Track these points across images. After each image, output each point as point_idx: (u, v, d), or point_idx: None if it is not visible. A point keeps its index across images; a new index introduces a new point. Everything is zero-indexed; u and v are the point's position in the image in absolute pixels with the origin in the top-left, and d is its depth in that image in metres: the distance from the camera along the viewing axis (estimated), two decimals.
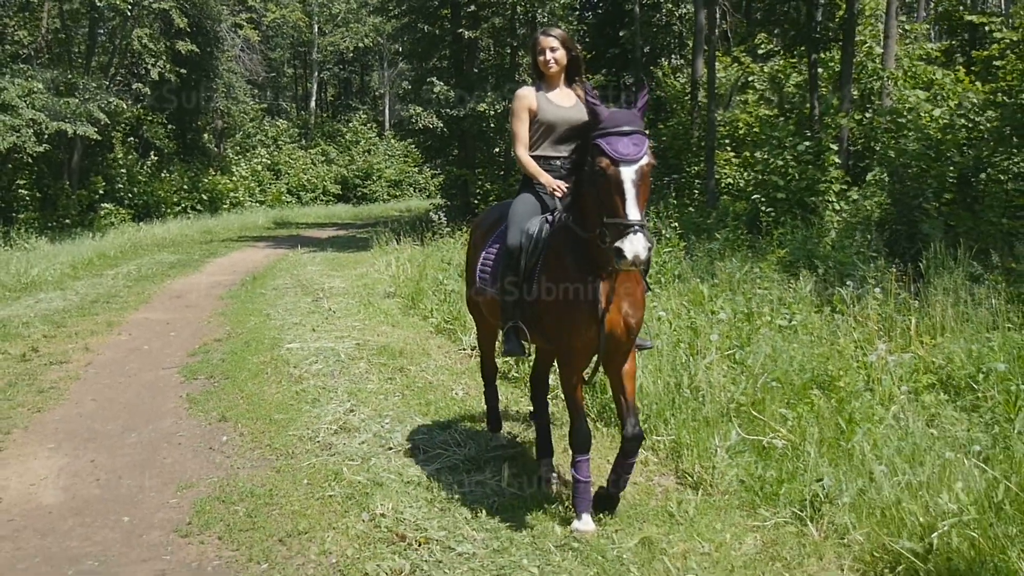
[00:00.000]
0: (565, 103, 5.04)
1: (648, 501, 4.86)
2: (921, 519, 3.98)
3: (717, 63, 21.65)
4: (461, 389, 7.31)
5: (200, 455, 5.88)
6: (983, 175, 10.54)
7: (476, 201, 21.22)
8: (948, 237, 9.05)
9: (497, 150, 22.97)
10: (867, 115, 14.40)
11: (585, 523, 4.43)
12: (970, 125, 11.60)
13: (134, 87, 28.15)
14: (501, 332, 5.00)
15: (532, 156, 5.03)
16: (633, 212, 3.93)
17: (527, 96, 5.02)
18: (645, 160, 4.04)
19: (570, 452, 4.59)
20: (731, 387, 5.94)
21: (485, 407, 6.02)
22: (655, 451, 5.54)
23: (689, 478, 5.08)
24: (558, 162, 4.97)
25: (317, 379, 7.66)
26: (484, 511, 4.65)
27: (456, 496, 4.88)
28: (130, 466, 5.70)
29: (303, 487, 5.12)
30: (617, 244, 3.88)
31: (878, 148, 13.14)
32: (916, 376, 6.14)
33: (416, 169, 40.80)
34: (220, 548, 4.37)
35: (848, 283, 8.05)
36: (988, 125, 11.28)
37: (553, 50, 5.00)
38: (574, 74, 5.13)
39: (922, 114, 12.67)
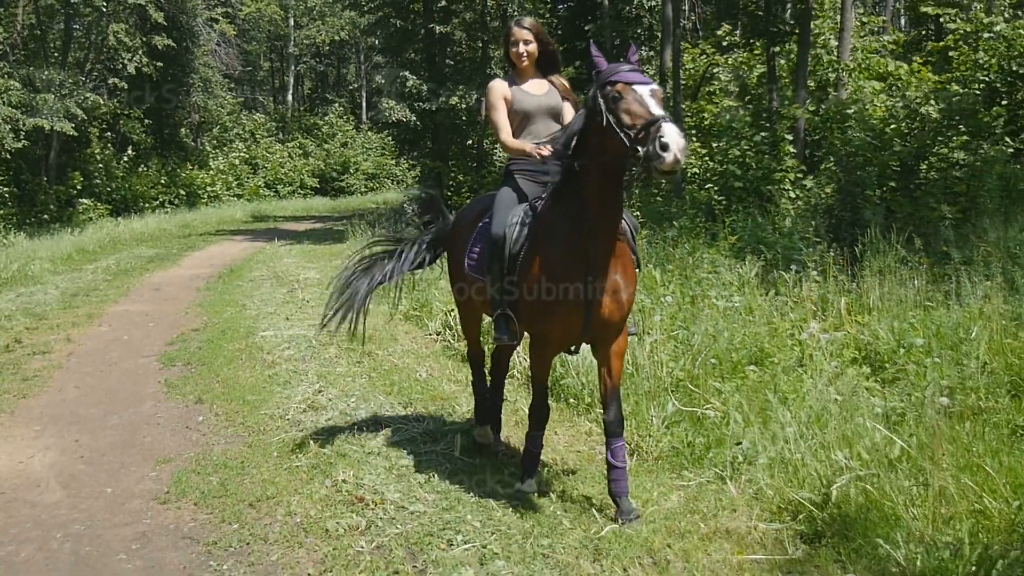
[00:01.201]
0: (538, 91, 5.09)
1: (589, 467, 5.32)
2: (821, 474, 4.45)
3: (686, 55, 22.13)
4: (425, 371, 7.76)
5: (178, 434, 6.29)
6: (924, 164, 11.05)
7: (449, 193, 21.62)
8: (889, 223, 9.55)
9: (470, 142, 23.38)
10: (822, 106, 14.90)
11: (528, 485, 4.78)
12: (912, 116, 12.10)
13: (110, 82, 28.34)
14: (492, 320, 5.04)
15: None
16: (657, 109, 3.97)
17: (500, 86, 5.08)
18: (656, 86, 4.12)
19: (531, 425, 4.86)
20: (671, 364, 6.41)
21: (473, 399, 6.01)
22: (598, 423, 6.00)
23: (628, 445, 5.53)
24: None
25: (289, 363, 8.08)
26: (436, 476, 5.11)
27: (412, 464, 5.34)
28: (112, 445, 6.10)
29: (272, 459, 5.56)
30: (658, 137, 3.79)
31: (821, 138, 13.65)
32: (844, 352, 6.63)
33: (393, 162, 41.11)
34: (195, 512, 4.80)
35: (792, 267, 8.52)
36: (931, 115, 11.79)
37: (527, 43, 5.05)
38: (549, 68, 5.17)
39: (868, 106, 13.16)
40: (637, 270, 4.80)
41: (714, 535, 4.21)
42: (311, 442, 5.79)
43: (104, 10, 25.20)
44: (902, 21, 33.18)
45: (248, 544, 4.35)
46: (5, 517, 4.85)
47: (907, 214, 9.95)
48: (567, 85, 5.24)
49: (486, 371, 5.90)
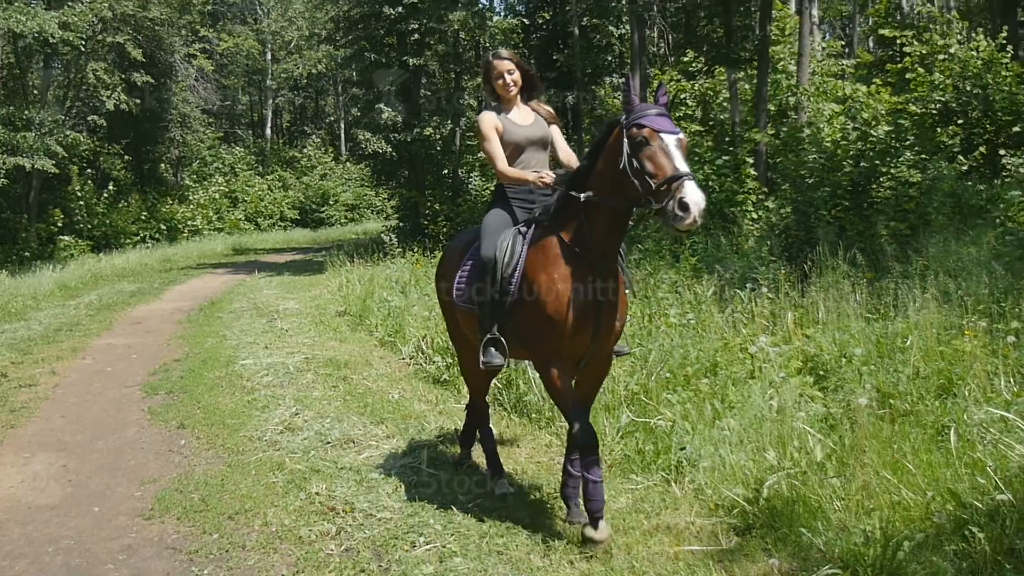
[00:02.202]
0: (525, 122, 5.15)
1: (547, 476, 5.69)
2: (754, 474, 4.85)
3: (655, 80, 22.67)
4: (397, 392, 8.12)
5: (161, 457, 6.62)
6: (874, 183, 11.55)
7: (426, 222, 22.03)
8: (840, 240, 10.00)
9: (445, 172, 23.82)
10: (782, 130, 15.41)
11: (601, 531, 4.45)
12: (863, 138, 12.60)
13: (90, 119, 28.68)
14: (480, 344, 4.88)
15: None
16: (682, 164, 4.00)
17: (491, 118, 5.11)
18: (683, 136, 4.17)
19: (577, 454, 4.71)
20: (628, 379, 6.80)
21: (484, 452, 5.73)
22: (558, 436, 6.37)
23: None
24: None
25: (267, 389, 8.42)
26: (403, 487, 5.48)
27: (381, 477, 5.70)
28: (98, 469, 6.42)
29: (250, 476, 5.91)
30: (679, 196, 3.86)
31: (780, 161, 14.17)
32: (791, 363, 7.03)
33: (373, 192, 41.52)
34: (178, 526, 5.14)
35: (747, 285, 8.95)
36: (879, 136, 12.30)
37: (510, 72, 5.11)
38: (533, 92, 5.25)
39: (827, 127, 13.67)
40: (628, 293, 4.91)
41: (655, 530, 4.61)
42: (287, 460, 6.15)
43: (83, 49, 25.53)
44: (870, 43, 33.88)
45: (227, 552, 4.70)
46: None
47: (857, 232, 10.42)
48: (551, 111, 5.31)
49: (490, 424, 5.83)
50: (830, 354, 7.00)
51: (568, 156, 5.25)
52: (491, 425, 5.84)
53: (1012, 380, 5.97)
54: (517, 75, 5.14)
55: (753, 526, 4.53)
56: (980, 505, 4.30)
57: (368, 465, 5.97)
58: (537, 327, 4.57)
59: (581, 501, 4.72)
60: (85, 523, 5.31)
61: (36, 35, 22.20)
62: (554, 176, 4.87)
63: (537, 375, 6.56)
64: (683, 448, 5.43)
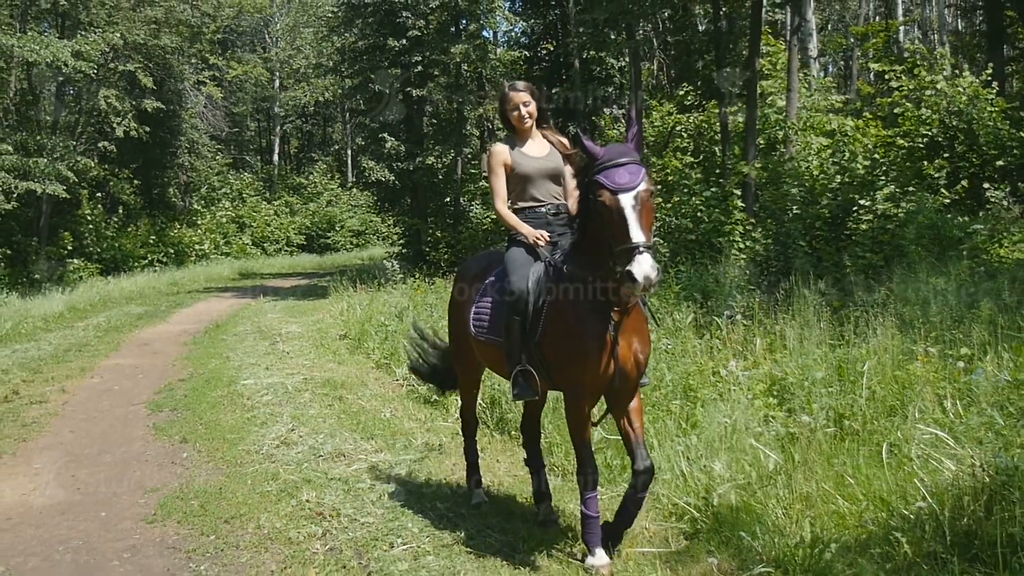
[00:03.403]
0: (539, 153, 5.20)
1: (523, 487, 6.12)
2: (705, 484, 5.29)
3: (655, 112, 23.23)
4: (389, 411, 8.57)
5: (164, 468, 7.08)
6: (850, 217, 12.04)
7: (427, 249, 22.54)
8: (817, 271, 10.47)
9: (447, 200, 24.36)
10: (769, 164, 15.90)
11: (599, 557, 4.65)
12: (842, 172, 13.09)
13: (100, 145, 29.26)
14: (510, 378, 4.98)
15: (515, 209, 5.19)
16: (637, 235, 4.10)
17: (501, 152, 5.18)
18: (643, 186, 4.21)
19: (578, 489, 4.90)
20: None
21: (465, 463, 6.05)
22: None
23: (556, 468, 6.38)
24: (543, 209, 5.17)
25: (266, 407, 8.89)
26: (387, 495, 5.94)
27: (367, 486, 6.16)
28: (105, 478, 6.87)
29: (247, 486, 6.36)
30: (627, 268, 4.03)
31: (762, 194, 14.68)
32: (758, 385, 7.47)
33: (379, 219, 42.08)
34: (178, 528, 5.60)
35: (725, 313, 9.40)
36: (857, 170, 12.80)
37: (526, 104, 5.16)
38: (541, 121, 5.28)
39: (815, 161, 14.18)
40: (651, 324, 5.02)
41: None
42: (281, 471, 6.61)
43: (95, 76, 26.09)
44: (871, 75, 34.45)
45: (222, 551, 5.16)
46: (12, 538, 5.63)
47: (833, 263, 10.88)
48: (566, 143, 5.34)
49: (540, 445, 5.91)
50: (794, 377, 7.44)
51: (574, 200, 5.15)
52: (475, 438, 6.18)
53: (959, 402, 6.40)
54: (533, 106, 5.20)
55: (701, 531, 4.98)
56: (907, 513, 4.74)
57: (356, 476, 6.42)
58: (565, 359, 4.66)
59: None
60: (92, 526, 5.76)
61: (49, 63, 22.75)
62: (547, 240, 4.98)
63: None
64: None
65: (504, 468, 6.63)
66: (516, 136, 5.28)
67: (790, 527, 4.79)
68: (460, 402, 6.24)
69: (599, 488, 4.95)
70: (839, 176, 13.28)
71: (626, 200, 4.18)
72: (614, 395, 4.74)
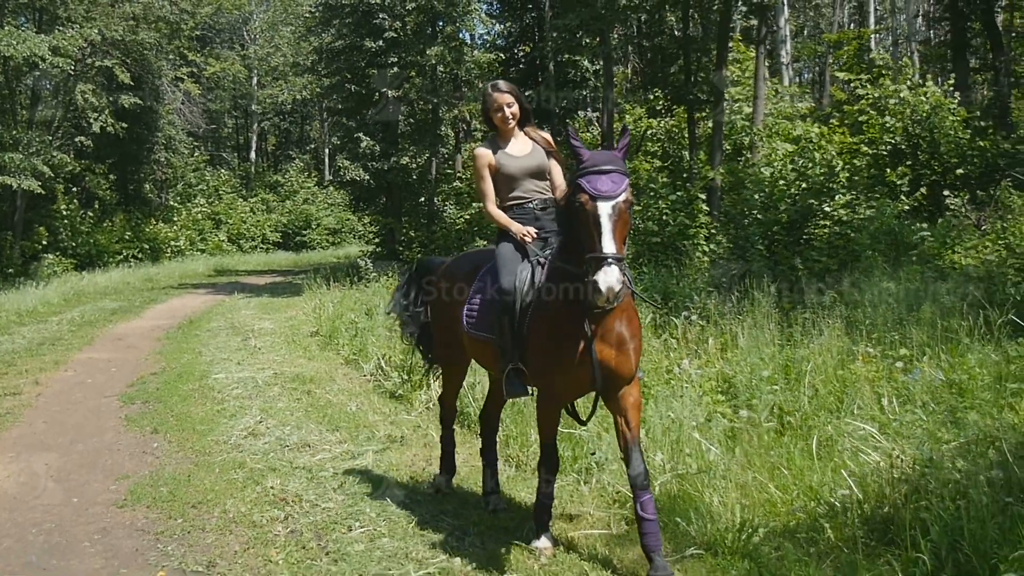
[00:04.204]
0: (522, 152, 5.26)
1: (476, 476, 6.41)
2: (650, 473, 5.59)
3: (628, 116, 23.61)
4: (355, 405, 8.84)
5: (135, 457, 7.32)
6: (809, 222, 12.45)
7: (401, 248, 22.81)
8: (774, 274, 10.83)
9: (421, 200, 24.64)
10: (732, 169, 16.30)
11: (542, 541, 4.90)
12: (800, 179, 13.51)
13: (76, 140, 29.26)
14: (503, 376, 5.01)
15: (504, 207, 5.27)
16: (608, 245, 4.11)
17: (485, 155, 5.25)
18: (623, 197, 4.22)
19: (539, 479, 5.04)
20: None
21: (440, 451, 6.21)
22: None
23: (512, 460, 6.69)
24: (530, 204, 5.25)
25: (236, 400, 9.14)
26: (348, 482, 6.23)
27: (330, 475, 6.45)
28: (78, 467, 7.11)
29: (214, 474, 6.63)
30: (593, 277, 4.05)
31: (723, 199, 15.08)
32: (709, 383, 7.81)
33: (356, 218, 42.20)
34: (147, 513, 5.86)
35: (683, 314, 9.73)
36: (815, 177, 13.23)
37: (509, 105, 5.21)
38: (524, 121, 5.34)
39: (765, 168, 14.60)
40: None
41: (560, 518, 5.39)
42: (248, 460, 6.88)
43: (72, 72, 26.08)
44: (844, 83, 34.92)
45: (189, 533, 5.43)
46: None
47: (789, 266, 11.26)
48: (549, 139, 5.42)
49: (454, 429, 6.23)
50: (743, 376, 7.78)
51: (561, 192, 5.21)
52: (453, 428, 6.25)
53: (895, 400, 6.76)
54: (516, 107, 5.24)
55: None
56: (833, 501, 5.08)
57: (320, 465, 6.70)
58: (538, 359, 4.74)
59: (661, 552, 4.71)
60: (65, 511, 6.01)
61: (26, 58, 22.79)
62: (534, 237, 5.06)
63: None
64: (593, 453, 6.18)
65: (461, 459, 6.89)
66: (499, 136, 5.36)
67: (724, 514, 5.12)
68: (441, 391, 6.31)
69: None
70: (797, 183, 13.68)
71: (604, 208, 4.19)
72: (603, 393, 4.74)
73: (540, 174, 5.29)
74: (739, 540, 4.73)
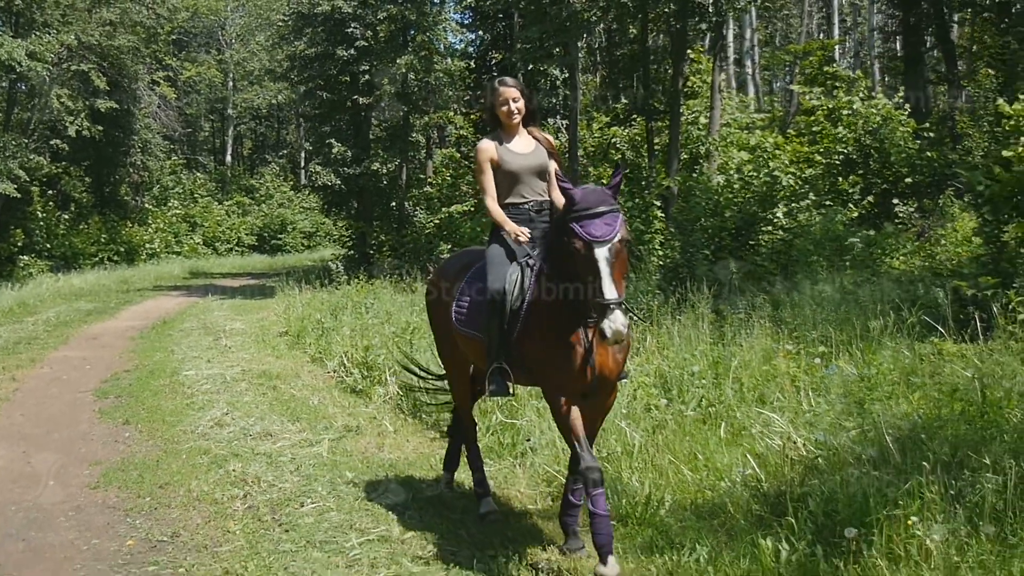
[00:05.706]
0: (525, 150, 5.25)
1: (422, 461, 7.00)
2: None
3: (595, 123, 24.24)
4: (317, 399, 9.38)
5: (108, 445, 7.84)
6: (754, 228, 13.14)
7: (372, 251, 23.35)
8: (716, 277, 11.48)
9: (392, 205, 25.18)
10: (683, 178, 16.96)
11: (610, 567, 4.52)
12: (746, 186, 14.20)
13: (52, 143, 29.53)
14: (487, 374, 5.04)
15: (501, 205, 5.25)
16: (609, 291, 4.13)
17: (488, 149, 5.23)
18: (618, 237, 4.24)
19: (583, 487, 4.73)
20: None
21: (471, 471, 5.98)
22: (444, 434, 7.69)
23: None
24: (526, 206, 5.25)
25: (205, 395, 9.66)
26: (304, 466, 6.80)
27: (289, 460, 7.00)
28: (54, 454, 7.61)
29: (181, 459, 7.17)
30: (600, 326, 4.14)
31: (673, 207, 15.75)
32: (645, 378, 8.41)
33: (331, 222, 42.55)
34: (118, 493, 6.40)
35: (628, 315, 10.31)
36: (757, 186, 13.93)
37: (515, 100, 5.18)
38: (531, 121, 5.35)
39: (735, 176, 15.29)
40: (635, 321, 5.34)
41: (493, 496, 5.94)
42: (213, 447, 7.42)
43: (49, 76, 26.33)
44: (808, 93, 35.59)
45: (156, 509, 5.99)
46: None
47: (736, 270, 11.92)
48: (551, 141, 5.46)
49: (477, 442, 6.09)
50: (676, 371, 8.38)
51: (559, 198, 5.11)
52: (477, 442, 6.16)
53: (811, 393, 7.38)
54: (522, 103, 5.22)
55: None
56: (736, 479, 5.68)
57: (279, 452, 7.25)
58: (544, 360, 4.76)
59: (578, 529, 5.11)
60: (42, 492, 6.54)
61: (2, 62, 23.08)
62: (527, 238, 5.04)
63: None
64: (528, 440, 6.78)
65: (412, 446, 7.50)
66: (502, 132, 5.32)
67: (640, 491, 5.71)
68: (454, 403, 6.22)
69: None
70: (742, 191, 14.37)
71: (601, 254, 4.20)
72: (593, 394, 4.81)
73: (542, 173, 5.30)
74: (646, 512, 5.33)
